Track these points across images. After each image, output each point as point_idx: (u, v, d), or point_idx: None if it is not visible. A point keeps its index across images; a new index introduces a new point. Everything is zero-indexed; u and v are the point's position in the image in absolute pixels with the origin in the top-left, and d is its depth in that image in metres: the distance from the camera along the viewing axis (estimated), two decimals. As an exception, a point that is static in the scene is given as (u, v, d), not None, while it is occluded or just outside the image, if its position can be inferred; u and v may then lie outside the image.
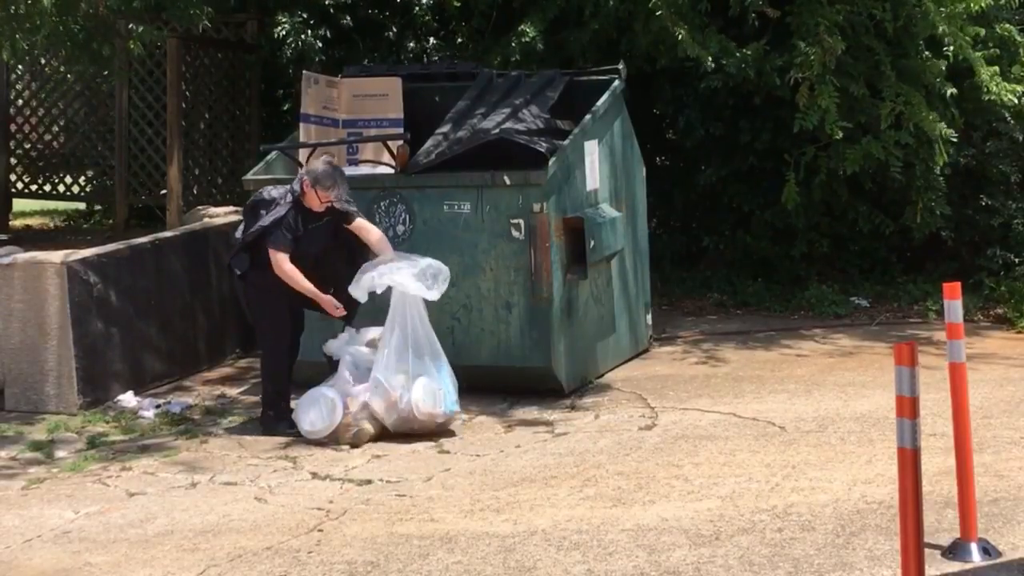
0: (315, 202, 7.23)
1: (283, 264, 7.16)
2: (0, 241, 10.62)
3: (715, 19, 10.42)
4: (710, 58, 9.87)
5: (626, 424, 7.31)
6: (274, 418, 7.35)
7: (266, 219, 7.23)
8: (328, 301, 7.26)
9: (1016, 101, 10.19)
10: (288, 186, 7.41)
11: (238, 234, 7.48)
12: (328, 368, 7.57)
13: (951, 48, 10.06)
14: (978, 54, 10.68)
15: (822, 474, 6.15)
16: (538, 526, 5.52)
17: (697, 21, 10.22)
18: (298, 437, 7.20)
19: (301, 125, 8.80)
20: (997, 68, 10.27)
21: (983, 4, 10.01)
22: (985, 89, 10.09)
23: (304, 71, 9.10)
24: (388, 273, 7.14)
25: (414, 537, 5.45)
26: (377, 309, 8.11)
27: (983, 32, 10.32)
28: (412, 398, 7.02)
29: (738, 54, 10.07)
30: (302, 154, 8.57)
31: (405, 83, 9.24)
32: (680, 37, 9.76)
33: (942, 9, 9.95)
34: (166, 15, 10.53)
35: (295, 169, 8.62)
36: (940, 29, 9.90)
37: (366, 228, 7.43)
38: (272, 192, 7.41)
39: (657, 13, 9.84)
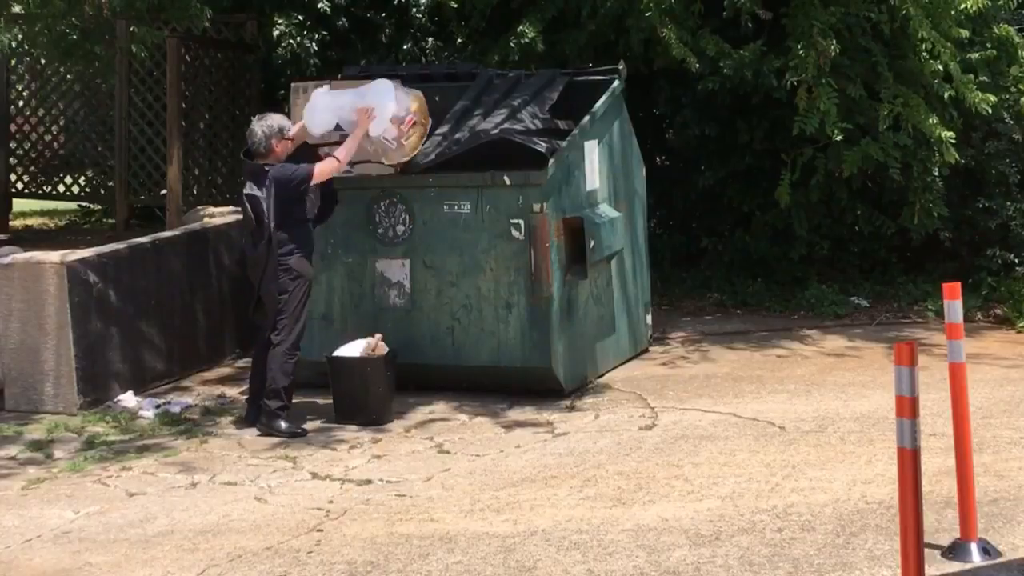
0: (286, 149, 7.48)
1: (327, 165, 7.43)
2: (0, 241, 10.62)
3: (710, 20, 10.42)
4: (696, 62, 9.86)
5: (626, 424, 7.31)
6: (274, 412, 7.32)
7: (279, 176, 7.29)
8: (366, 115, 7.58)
9: (989, 110, 10.20)
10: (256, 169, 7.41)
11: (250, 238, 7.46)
12: (328, 368, 7.58)
13: (941, 53, 10.04)
14: (976, 55, 10.69)
15: (822, 474, 6.15)
16: (538, 526, 5.52)
17: (690, 23, 10.22)
18: (292, 437, 7.21)
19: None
20: (972, 76, 10.27)
21: (980, 4, 10.00)
22: (962, 97, 10.10)
23: (292, 83, 9.06)
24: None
25: (414, 537, 5.45)
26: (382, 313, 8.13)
27: (967, 35, 10.30)
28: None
29: (735, 56, 10.08)
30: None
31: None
32: (671, 40, 9.76)
33: (928, 19, 9.92)
34: (166, 15, 10.53)
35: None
36: (922, 34, 9.89)
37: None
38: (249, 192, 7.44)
39: (647, 14, 9.84)
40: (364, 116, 7.62)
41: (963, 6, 9.99)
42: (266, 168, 7.35)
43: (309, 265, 7.49)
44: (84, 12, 8.76)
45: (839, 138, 9.91)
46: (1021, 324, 9.93)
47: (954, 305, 5.08)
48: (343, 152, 7.53)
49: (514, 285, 7.82)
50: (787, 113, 10.25)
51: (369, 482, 6.34)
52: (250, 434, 7.37)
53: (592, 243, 7.92)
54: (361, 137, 7.61)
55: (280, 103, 12.42)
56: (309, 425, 7.49)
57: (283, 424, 7.31)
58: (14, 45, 10.16)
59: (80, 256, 8.17)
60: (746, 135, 11.16)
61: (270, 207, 7.27)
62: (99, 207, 14.66)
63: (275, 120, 7.54)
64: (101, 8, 8.62)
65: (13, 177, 13.31)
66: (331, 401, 7.68)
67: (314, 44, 11.25)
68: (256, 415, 7.47)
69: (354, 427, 7.44)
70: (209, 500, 6.14)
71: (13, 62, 12.66)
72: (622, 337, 8.83)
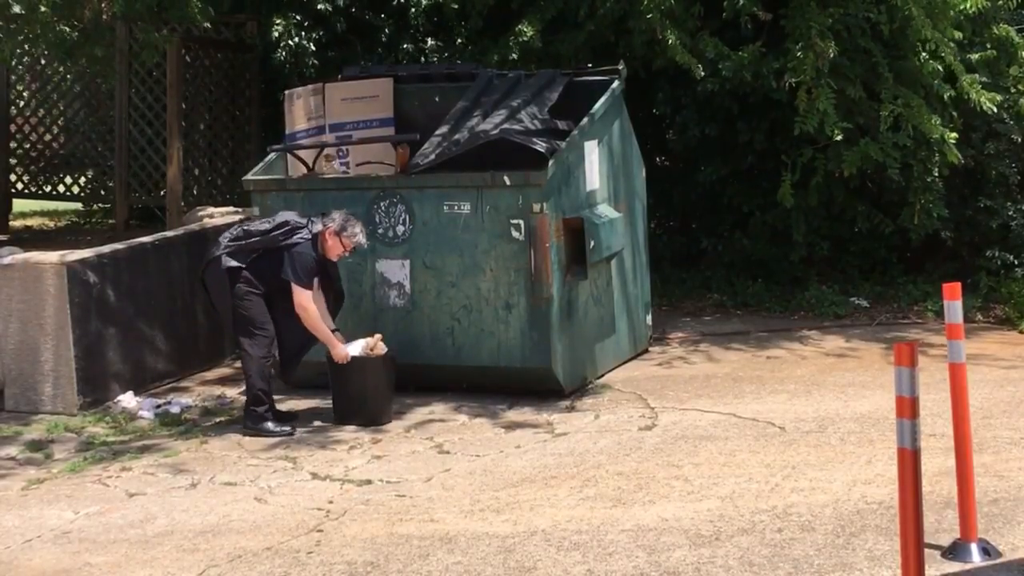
0: (337, 249, 7.41)
1: (309, 304, 7.29)
2: (0, 241, 10.62)
3: (710, 22, 10.41)
4: (700, 68, 9.85)
5: (626, 424, 7.31)
6: (260, 415, 7.36)
7: (295, 246, 7.27)
8: (341, 352, 7.41)
9: (995, 109, 10.19)
10: (301, 223, 7.44)
11: (230, 234, 7.49)
12: (328, 368, 7.58)
13: (945, 53, 10.04)
14: (976, 56, 10.68)
15: (822, 474, 6.15)
16: (538, 526, 5.52)
17: (690, 24, 10.21)
18: (284, 436, 7.22)
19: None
20: (976, 76, 10.27)
21: (979, 5, 10.00)
22: (966, 96, 10.10)
23: (285, 91, 9.06)
24: None
25: (414, 537, 5.45)
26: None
27: (961, 35, 10.29)
28: None
29: (733, 57, 10.07)
30: (308, 155, 8.55)
31: (404, 84, 9.24)
32: (670, 43, 9.75)
33: (928, 19, 9.92)
34: (167, 15, 10.54)
35: (297, 169, 8.63)
36: (924, 34, 9.89)
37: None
38: (289, 218, 7.50)
39: (648, 16, 9.83)
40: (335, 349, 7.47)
41: (963, 6, 9.98)
42: (300, 241, 7.31)
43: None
44: (84, 16, 8.76)
45: (839, 138, 9.91)
46: (1021, 324, 9.92)
47: (954, 305, 5.08)
48: (314, 322, 7.35)
49: (514, 285, 7.82)
50: (787, 114, 10.25)
51: (369, 482, 6.34)
52: (250, 435, 7.36)
53: (592, 243, 7.92)
54: (321, 330, 7.43)
55: (280, 103, 12.43)
56: (309, 425, 7.49)
57: (270, 425, 7.33)
58: (18, 51, 10.17)
59: (80, 256, 8.17)
60: (746, 136, 11.16)
61: (281, 257, 7.28)
62: (99, 207, 14.66)
63: (352, 227, 7.38)
64: (100, 12, 8.61)
65: (13, 177, 13.32)
66: (330, 401, 7.68)
67: (312, 44, 11.24)
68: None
69: (353, 427, 7.44)
70: (209, 500, 6.14)
71: (13, 62, 12.65)
72: (622, 337, 8.83)
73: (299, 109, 8.78)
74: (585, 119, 8.28)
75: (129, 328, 8.38)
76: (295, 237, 7.36)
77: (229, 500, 6.13)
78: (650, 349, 9.31)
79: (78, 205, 14.78)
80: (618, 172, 8.82)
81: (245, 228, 7.56)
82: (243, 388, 8.19)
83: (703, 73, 9.94)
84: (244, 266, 7.36)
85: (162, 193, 11.71)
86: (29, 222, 15.07)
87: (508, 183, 7.78)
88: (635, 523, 5.50)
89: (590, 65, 10.01)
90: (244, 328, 7.40)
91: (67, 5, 9.00)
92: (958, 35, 10.21)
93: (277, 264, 7.34)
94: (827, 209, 11.23)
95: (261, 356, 7.38)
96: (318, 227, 7.41)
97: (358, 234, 7.41)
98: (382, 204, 8.10)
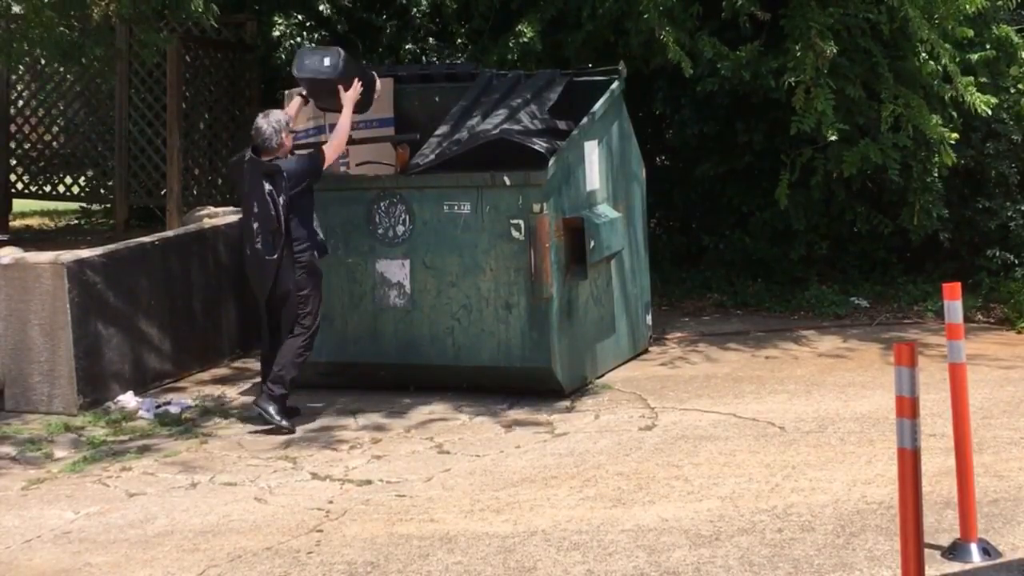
0: (289, 142, 7.63)
1: (332, 150, 7.70)
2: (0, 241, 10.61)
3: (709, 22, 10.40)
4: (691, 67, 9.83)
5: (626, 424, 7.31)
6: (276, 398, 7.35)
7: (293, 170, 7.43)
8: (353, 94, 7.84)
9: (989, 112, 10.19)
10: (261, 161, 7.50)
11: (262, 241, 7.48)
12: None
13: (940, 54, 10.03)
14: (976, 56, 10.68)
15: (822, 474, 6.15)
16: (538, 526, 5.52)
17: (689, 24, 10.20)
18: (279, 430, 7.23)
19: None
20: (972, 78, 10.27)
21: (979, 4, 10.00)
22: (961, 98, 10.10)
23: (286, 91, 9.06)
24: None
25: (414, 537, 5.45)
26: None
27: (971, 34, 10.30)
28: None
29: (732, 56, 10.06)
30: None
31: (404, 84, 9.24)
32: (668, 43, 9.74)
33: (928, 19, 9.91)
34: (171, 14, 10.52)
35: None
36: (921, 36, 9.89)
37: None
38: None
39: (645, 16, 9.83)
40: (352, 91, 7.80)
41: (963, 6, 9.98)
42: (279, 166, 7.42)
43: (318, 260, 7.58)
44: (90, 18, 8.74)
45: (834, 138, 9.90)
46: (1021, 324, 9.93)
47: (954, 305, 5.08)
48: (343, 126, 7.73)
49: (514, 285, 7.82)
50: (786, 113, 10.24)
51: (369, 482, 6.34)
52: (250, 434, 7.37)
53: (592, 243, 7.92)
54: (351, 110, 7.82)
55: (280, 103, 12.41)
56: (311, 425, 7.49)
57: (275, 412, 7.31)
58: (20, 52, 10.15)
59: (80, 256, 8.17)
60: (745, 135, 11.16)
61: (286, 205, 7.36)
62: (99, 207, 14.65)
63: (280, 115, 7.64)
64: (109, 17, 8.60)
65: (13, 177, 13.31)
66: (330, 401, 7.69)
67: (314, 44, 11.23)
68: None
69: (354, 427, 7.45)
70: (209, 500, 6.14)
71: (13, 62, 12.64)
72: (622, 337, 8.83)
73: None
74: (585, 119, 8.28)
75: (129, 328, 8.38)
76: (279, 180, 7.39)
77: (229, 500, 6.13)
78: (650, 349, 9.31)
79: (78, 205, 14.77)
80: (618, 172, 8.82)
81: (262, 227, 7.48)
82: (244, 388, 8.21)
83: (692, 71, 9.90)
84: (302, 250, 7.43)
85: (162, 193, 11.71)
86: (29, 222, 15.06)
87: (508, 183, 7.78)
88: (635, 523, 5.51)
89: (590, 65, 10.01)
90: (303, 323, 7.47)
91: (71, 5, 8.97)
92: (970, 33, 10.20)
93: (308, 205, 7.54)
94: (827, 207, 11.24)
95: (301, 345, 7.44)
96: (267, 157, 7.49)
97: (279, 114, 7.64)
98: (382, 204, 8.10)
